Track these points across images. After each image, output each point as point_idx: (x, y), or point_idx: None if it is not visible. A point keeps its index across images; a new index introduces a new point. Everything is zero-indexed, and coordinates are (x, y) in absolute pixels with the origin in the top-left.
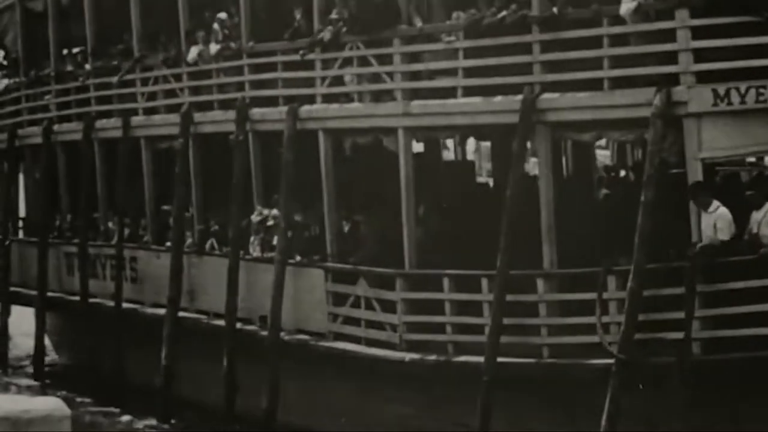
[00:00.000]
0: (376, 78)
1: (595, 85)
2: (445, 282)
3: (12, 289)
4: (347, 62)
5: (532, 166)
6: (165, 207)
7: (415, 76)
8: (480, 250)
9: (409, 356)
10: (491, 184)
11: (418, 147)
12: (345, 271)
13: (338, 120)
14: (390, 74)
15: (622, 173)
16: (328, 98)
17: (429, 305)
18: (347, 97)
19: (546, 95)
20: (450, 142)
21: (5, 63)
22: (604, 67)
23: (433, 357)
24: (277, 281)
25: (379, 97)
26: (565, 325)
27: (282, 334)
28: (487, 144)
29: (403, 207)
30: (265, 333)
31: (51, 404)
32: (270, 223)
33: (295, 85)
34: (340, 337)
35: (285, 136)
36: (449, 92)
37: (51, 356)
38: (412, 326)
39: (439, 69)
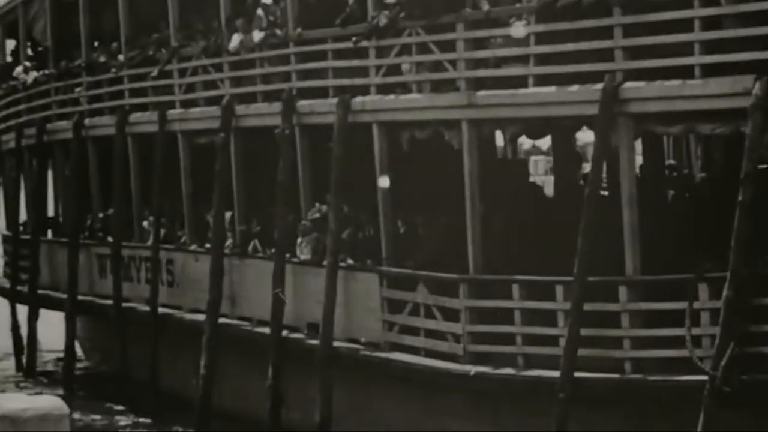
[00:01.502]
0: (437, 66)
1: (684, 72)
2: (515, 289)
3: (40, 292)
4: (405, 50)
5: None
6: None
7: (480, 64)
8: (544, 255)
9: (474, 369)
10: (542, 183)
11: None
12: (402, 276)
13: (394, 112)
14: (453, 62)
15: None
16: (384, 89)
17: (495, 314)
18: (404, 88)
19: (629, 84)
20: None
21: (33, 54)
22: (696, 52)
23: (501, 370)
24: (328, 286)
25: (440, 87)
26: (649, 338)
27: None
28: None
29: (468, 207)
30: (313, 342)
31: (50, 403)
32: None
33: (346, 74)
34: (396, 347)
35: (335, 129)
36: (519, 81)
37: (82, 363)
38: (478, 336)
39: (507, 56)
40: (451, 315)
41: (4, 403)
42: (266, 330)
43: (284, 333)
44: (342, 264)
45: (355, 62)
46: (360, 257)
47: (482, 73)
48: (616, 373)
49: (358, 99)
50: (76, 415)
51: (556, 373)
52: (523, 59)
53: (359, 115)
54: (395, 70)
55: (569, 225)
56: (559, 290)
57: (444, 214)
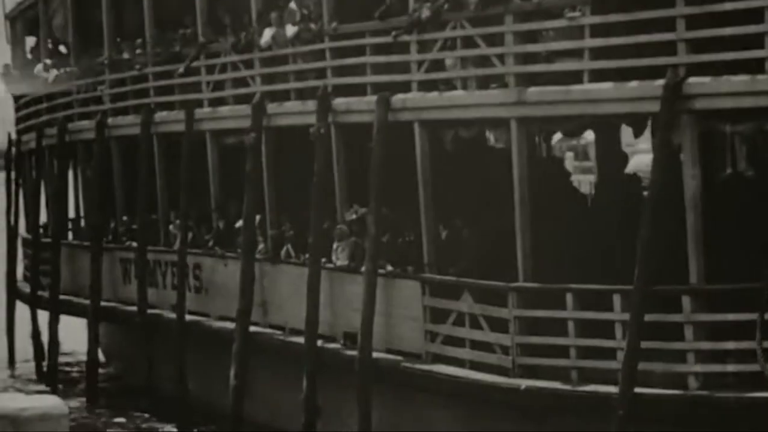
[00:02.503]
0: (483, 61)
1: (753, 67)
2: (569, 298)
3: (61, 297)
4: (449, 44)
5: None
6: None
7: (530, 58)
8: (591, 261)
9: (525, 384)
10: (578, 184)
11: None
12: (446, 283)
13: (438, 110)
14: (501, 57)
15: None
16: (426, 86)
17: (546, 325)
18: (448, 84)
19: (693, 79)
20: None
21: (54, 52)
22: (766, 45)
23: (553, 385)
24: (367, 294)
25: (486, 83)
26: (716, 351)
27: None
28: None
29: (516, 211)
30: (351, 352)
31: (49, 402)
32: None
33: (386, 71)
34: (439, 359)
35: (375, 129)
36: (572, 77)
37: (105, 371)
38: (528, 348)
39: (560, 50)
40: (498, 325)
41: (4, 403)
42: (300, 339)
43: (319, 343)
44: (381, 270)
45: (395, 58)
46: (400, 263)
47: (533, 68)
48: (680, 389)
49: (399, 97)
50: (100, 425)
51: (614, 389)
52: (577, 53)
53: (400, 114)
54: (438, 65)
55: (616, 229)
56: (617, 300)
57: (487, 217)
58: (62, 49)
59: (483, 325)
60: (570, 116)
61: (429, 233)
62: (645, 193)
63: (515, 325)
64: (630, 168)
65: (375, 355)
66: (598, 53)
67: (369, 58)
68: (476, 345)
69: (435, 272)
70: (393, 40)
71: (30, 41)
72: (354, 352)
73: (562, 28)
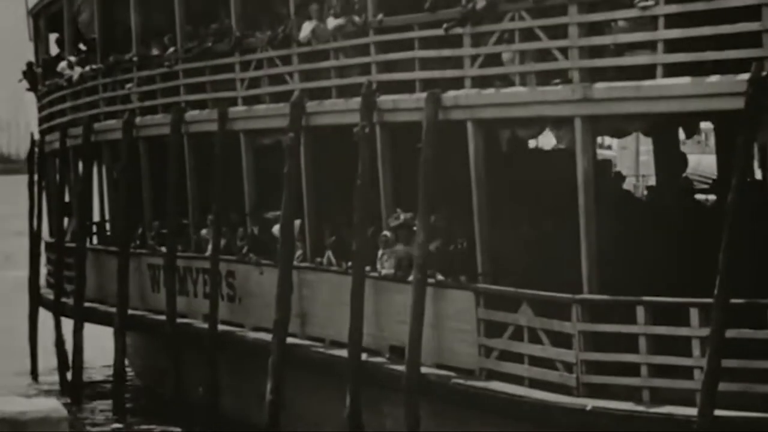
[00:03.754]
0: (544, 55)
1: None
2: (639, 311)
3: (86, 304)
4: (506, 37)
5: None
6: (268, 215)
7: (597, 51)
8: (656, 272)
9: (591, 404)
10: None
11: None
12: (503, 294)
13: (493, 108)
14: (564, 50)
15: None
16: (480, 82)
17: (613, 340)
18: (505, 80)
19: None
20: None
21: (79, 48)
22: None
23: (623, 405)
24: (415, 305)
25: (548, 79)
26: None
27: None
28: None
29: (581, 217)
30: (397, 367)
31: (48, 406)
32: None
33: (436, 66)
34: (494, 375)
35: (424, 128)
36: (645, 71)
37: (132, 382)
38: (594, 366)
39: (630, 42)
40: (560, 340)
41: (4, 406)
42: (342, 353)
43: (363, 356)
44: (431, 280)
45: (447, 52)
46: (452, 272)
47: (600, 62)
48: (764, 412)
49: (450, 94)
50: None
51: (692, 411)
52: (649, 45)
53: (451, 112)
54: (494, 60)
55: (677, 236)
56: (695, 314)
57: (548, 225)
58: (84, 46)
59: (543, 339)
60: (642, 114)
61: (483, 240)
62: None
63: (580, 340)
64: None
65: (423, 370)
66: (673, 45)
67: (417, 53)
68: (536, 361)
69: (490, 282)
70: (444, 33)
71: (52, 38)
72: (401, 367)
73: (632, 19)
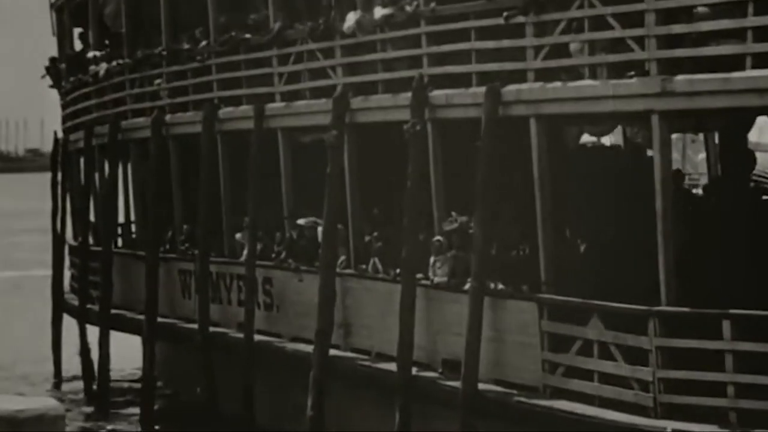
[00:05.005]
0: (617, 46)
1: None
2: (726, 325)
3: (113, 311)
4: (574, 26)
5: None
6: (301, 221)
7: (676, 41)
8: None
9: (671, 426)
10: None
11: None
12: (570, 305)
13: (560, 103)
14: (639, 39)
15: None
16: (545, 75)
17: (692, 357)
18: (572, 73)
19: None
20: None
21: (105, 43)
22: None
23: (707, 428)
24: (472, 316)
25: (622, 71)
26: None
27: None
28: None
29: (659, 221)
30: (452, 383)
31: (46, 404)
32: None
33: (495, 58)
34: (560, 393)
35: (483, 125)
36: (731, 62)
37: (160, 393)
38: (673, 384)
39: (713, 30)
40: (635, 356)
41: (0, 404)
42: (390, 366)
43: (414, 371)
44: (490, 289)
45: (507, 43)
46: (513, 281)
47: (680, 52)
48: None
49: (512, 88)
50: None
51: None
52: (736, 34)
53: (513, 108)
54: (560, 51)
55: (749, 239)
56: None
57: (611, 227)
58: (110, 40)
59: (616, 355)
60: (729, 109)
61: (547, 246)
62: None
63: (657, 356)
64: None
65: (481, 386)
66: (764, 34)
67: (474, 44)
68: (607, 378)
69: (554, 292)
70: (504, 23)
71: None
72: (456, 383)
73: (717, 4)
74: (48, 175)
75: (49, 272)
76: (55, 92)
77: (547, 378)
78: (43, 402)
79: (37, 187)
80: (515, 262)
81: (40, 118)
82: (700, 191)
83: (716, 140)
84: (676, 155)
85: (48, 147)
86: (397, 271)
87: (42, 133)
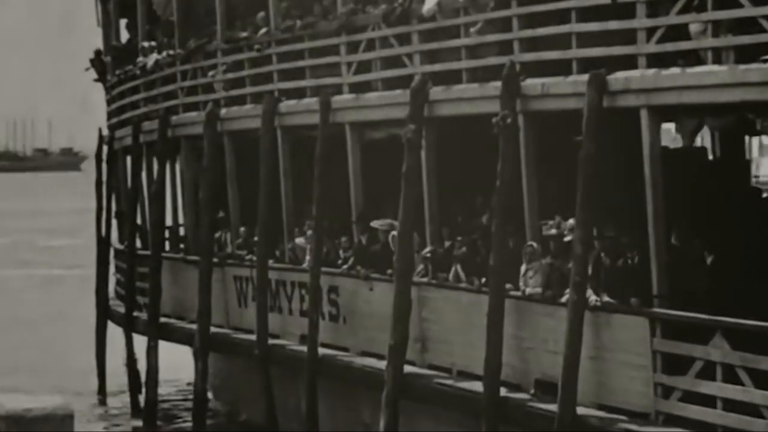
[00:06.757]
0: (744, 26)
1: None
2: None
3: (162, 320)
4: (695, 4)
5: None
6: (376, 224)
7: None
8: None
9: None
10: None
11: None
12: (688, 321)
13: (677, 92)
14: None
15: None
16: (657, 60)
17: None
18: (690, 58)
19: None
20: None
21: (154, 32)
22: None
23: None
24: (571, 332)
25: (752, 56)
26: None
27: None
28: None
29: None
30: (546, 406)
31: (54, 403)
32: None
33: (598, 42)
34: (675, 421)
35: (585, 117)
36: None
37: (213, 408)
38: None
39: None
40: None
41: (8, 403)
42: (475, 386)
43: (502, 391)
44: (592, 302)
45: (613, 25)
46: (619, 293)
47: None
48: None
49: (618, 75)
50: None
51: None
52: None
53: (620, 98)
54: (676, 33)
55: None
56: None
57: (731, 234)
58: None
59: (744, 379)
60: None
61: (659, 254)
62: None
63: None
64: None
65: (580, 411)
66: None
67: (574, 26)
68: (733, 405)
69: (668, 306)
70: (611, 2)
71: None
72: (550, 406)
73: None
74: (55, 175)
75: (53, 272)
76: (61, 92)
77: (660, 403)
78: (51, 401)
79: (44, 186)
80: (623, 271)
81: (48, 118)
82: None
83: None
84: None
85: (55, 147)
86: (483, 280)
87: (50, 133)
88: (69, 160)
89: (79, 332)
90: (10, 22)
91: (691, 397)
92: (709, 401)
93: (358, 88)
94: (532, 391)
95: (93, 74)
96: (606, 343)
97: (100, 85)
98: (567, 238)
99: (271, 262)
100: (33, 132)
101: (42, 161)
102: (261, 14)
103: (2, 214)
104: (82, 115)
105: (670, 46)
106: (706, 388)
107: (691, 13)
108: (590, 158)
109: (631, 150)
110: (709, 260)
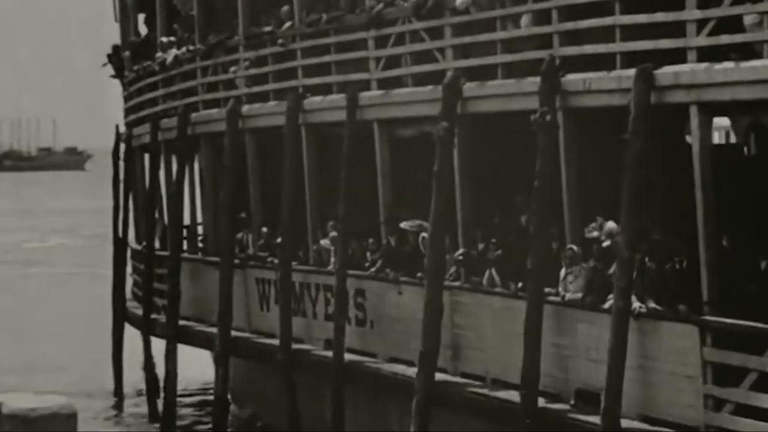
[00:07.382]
0: None
1: None
2: None
3: (181, 322)
4: None
5: None
6: (406, 225)
7: None
8: None
9: None
10: None
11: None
12: (740, 329)
13: (731, 88)
14: None
15: None
16: (708, 54)
17: None
18: (744, 52)
19: None
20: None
21: (174, 27)
22: None
23: None
24: (615, 340)
25: None
26: None
27: None
28: None
29: None
30: (588, 418)
31: (58, 402)
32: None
33: (645, 35)
34: None
35: (632, 114)
36: None
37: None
38: None
39: None
40: None
41: (13, 403)
42: (511, 395)
43: (541, 402)
44: (637, 308)
45: (660, 16)
46: (667, 299)
47: None
48: None
49: (668, 70)
50: None
51: None
52: None
53: (670, 94)
54: (728, 25)
55: None
56: None
57: None
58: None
59: None
60: None
61: (710, 259)
62: None
63: None
64: None
65: (624, 423)
66: None
67: (618, 18)
68: None
69: (719, 313)
70: None
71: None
72: (592, 418)
73: None
74: (59, 174)
75: (58, 270)
76: (66, 91)
77: (711, 416)
78: (55, 400)
79: (48, 185)
80: (671, 276)
81: (53, 117)
82: None
83: None
84: None
85: (60, 146)
86: (519, 284)
87: (54, 132)
88: (73, 160)
89: (88, 331)
90: (9, 21)
91: (743, 411)
92: (763, 415)
93: (386, 84)
94: (573, 402)
95: (97, 73)
96: (652, 352)
97: (106, 85)
98: (605, 243)
99: (294, 264)
100: (37, 131)
101: (46, 160)
102: (285, 8)
103: (7, 213)
104: (87, 114)
105: (724, 39)
106: (761, 401)
107: (746, 3)
108: (638, 158)
109: (677, 148)
110: (763, 265)
